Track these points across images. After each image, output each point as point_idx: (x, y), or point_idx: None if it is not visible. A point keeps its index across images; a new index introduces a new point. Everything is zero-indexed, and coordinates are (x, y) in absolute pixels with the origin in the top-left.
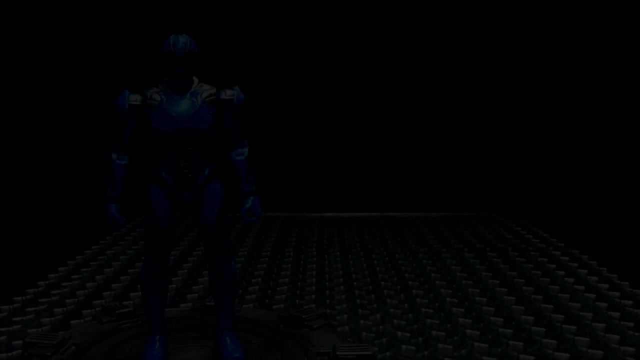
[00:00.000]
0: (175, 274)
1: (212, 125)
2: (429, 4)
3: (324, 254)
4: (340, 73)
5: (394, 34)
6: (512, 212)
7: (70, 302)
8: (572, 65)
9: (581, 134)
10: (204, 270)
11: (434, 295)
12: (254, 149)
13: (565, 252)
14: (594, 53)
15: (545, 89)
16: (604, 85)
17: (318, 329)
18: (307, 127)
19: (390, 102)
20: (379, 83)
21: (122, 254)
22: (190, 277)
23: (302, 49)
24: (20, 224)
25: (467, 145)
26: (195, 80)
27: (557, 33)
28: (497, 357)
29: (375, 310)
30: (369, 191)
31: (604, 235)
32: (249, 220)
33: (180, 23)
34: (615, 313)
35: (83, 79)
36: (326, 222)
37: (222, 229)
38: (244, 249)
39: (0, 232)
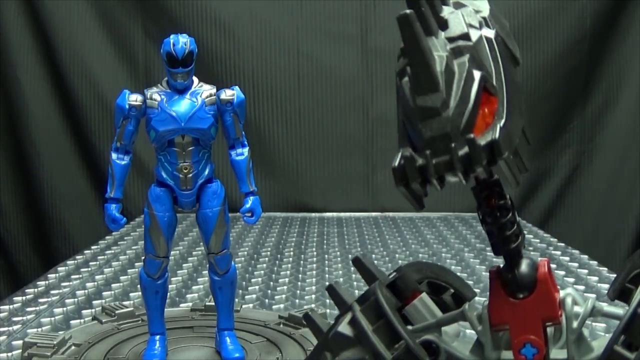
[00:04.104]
0: (175, 274)
1: (212, 125)
2: None
3: (324, 254)
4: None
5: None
6: None
7: (70, 302)
8: (569, 65)
9: (580, 134)
10: (204, 270)
11: None
12: (254, 149)
13: (565, 252)
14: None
15: (544, 88)
16: (600, 87)
17: None
18: (307, 127)
19: (389, 99)
20: (376, 83)
21: (122, 254)
22: (190, 277)
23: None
24: (21, 224)
25: None
26: (195, 80)
27: None
28: None
29: None
30: (369, 191)
31: (605, 236)
32: (249, 220)
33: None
34: None
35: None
36: (326, 222)
37: (222, 228)
38: (244, 249)
39: (1, 232)
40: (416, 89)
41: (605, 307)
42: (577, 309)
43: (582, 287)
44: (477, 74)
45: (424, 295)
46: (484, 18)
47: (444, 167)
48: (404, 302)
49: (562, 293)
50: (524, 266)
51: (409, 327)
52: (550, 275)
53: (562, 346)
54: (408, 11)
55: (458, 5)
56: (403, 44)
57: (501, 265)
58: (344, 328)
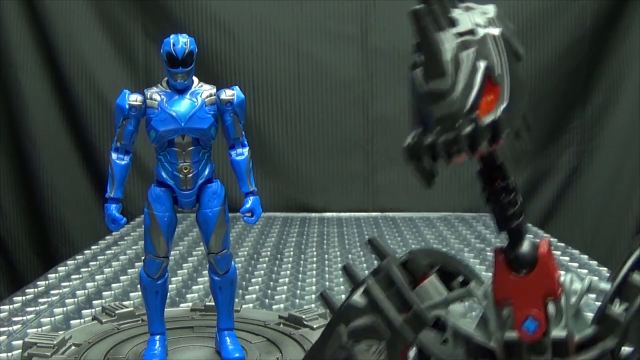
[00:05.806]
0: (175, 274)
1: (212, 125)
2: None
3: (324, 254)
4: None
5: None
6: None
7: (70, 302)
8: (569, 65)
9: (580, 134)
10: (204, 270)
11: None
12: (254, 149)
13: (565, 252)
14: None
15: (544, 88)
16: (600, 87)
17: (318, 329)
18: (307, 127)
19: (389, 99)
20: (376, 83)
21: (122, 254)
22: (190, 277)
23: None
24: (21, 224)
25: None
26: (195, 80)
27: None
28: None
29: None
30: (369, 191)
31: (605, 236)
32: (249, 220)
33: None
34: None
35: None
36: (326, 222)
37: (222, 228)
38: (244, 249)
39: (1, 232)
40: (428, 74)
41: (602, 284)
42: (576, 285)
43: None
44: (481, 65)
45: (433, 277)
46: (490, 19)
47: (451, 142)
48: (413, 284)
49: (562, 274)
50: (525, 244)
51: None
52: (549, 254)
53: (563, 326)
54: (420, 6)
55: (467, 9)
56: (415, 36)
57: (504, 246)
58: (358, 298)
